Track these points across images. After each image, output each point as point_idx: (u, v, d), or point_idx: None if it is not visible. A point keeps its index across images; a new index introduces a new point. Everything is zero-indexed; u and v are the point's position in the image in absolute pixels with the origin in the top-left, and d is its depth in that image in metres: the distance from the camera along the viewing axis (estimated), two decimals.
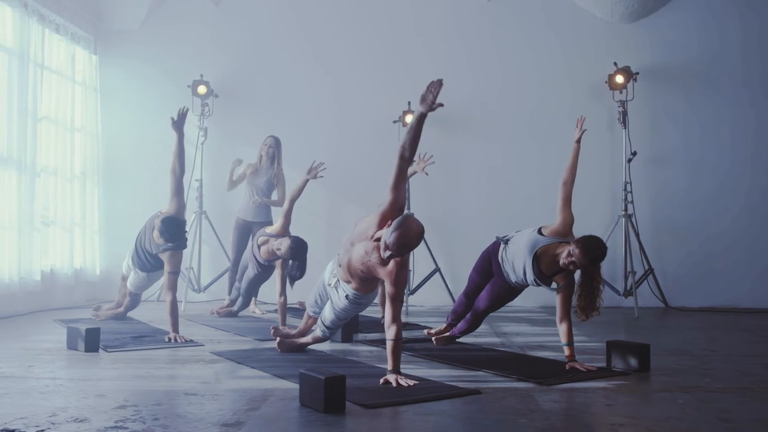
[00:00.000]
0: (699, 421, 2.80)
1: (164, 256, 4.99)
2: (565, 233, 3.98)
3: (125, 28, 7.60)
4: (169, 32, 7.65)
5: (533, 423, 2.73)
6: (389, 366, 3.43)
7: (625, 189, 6.91)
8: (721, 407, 3.01)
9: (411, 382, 3.33)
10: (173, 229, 4.87)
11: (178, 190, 5.04)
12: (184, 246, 5.08)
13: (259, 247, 5.64)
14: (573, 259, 3.71)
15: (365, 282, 3.71)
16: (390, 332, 3.45)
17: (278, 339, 4.36)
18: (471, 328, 4.61)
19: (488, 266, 4.40)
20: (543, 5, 7.51)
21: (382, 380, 3.39)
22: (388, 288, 3.48)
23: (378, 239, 3.45)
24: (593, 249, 3.68)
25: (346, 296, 3.83)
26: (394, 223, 3.33)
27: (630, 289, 6.75)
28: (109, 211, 7.46)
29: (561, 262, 3.78)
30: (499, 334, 5.28)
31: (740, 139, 7.24)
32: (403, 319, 6.04)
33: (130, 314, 5.75)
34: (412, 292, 6.91)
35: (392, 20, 7.64)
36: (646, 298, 6.88)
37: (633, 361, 3.79)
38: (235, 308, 6.11)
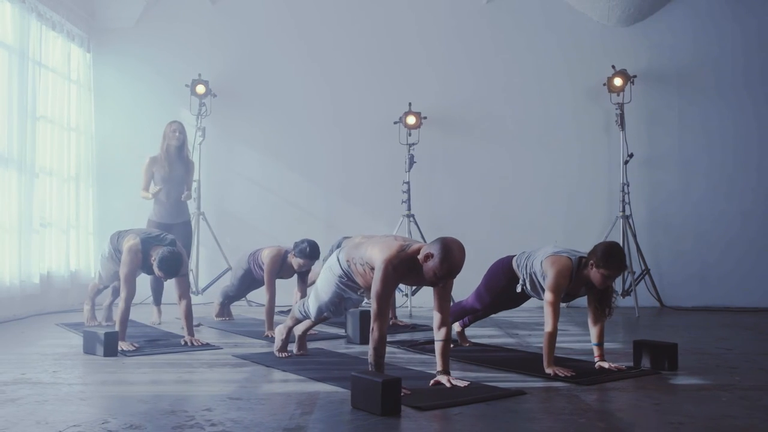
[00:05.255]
0: (752, 418, 2.84)
1: None
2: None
3: (120, 26, 7.47)
4: (164, 30, 7.53)
5: (594, 423, 2.75)
6: (439, 367, 3.41)
7: (623, 190, 6.99)
8: (765, 404, 3.06)
9: (464, 383, 3.32)
10: (173, 266, 4.59)
11: None
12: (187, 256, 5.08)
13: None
14: (610, 280, 3.76)
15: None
16: (440, 333, 3.41)
17: (301, 352, 4.27)
18: (478, 319, 4.67)
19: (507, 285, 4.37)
20: (540, 8, 7.56)
21: (432, 381, 3.37)
22: (438, 289, 3.44)
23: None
24: (620, 262, 3.71)
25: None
26: (437, 255, 3.20)
27: (628, 289, 6.84)
28: (103, 213, 7.31)
29: (598, 286, 3.78)
30: (512, 335, 5.30)
31: (734, 141, 7.38)
32: (408, 320, 6.10)
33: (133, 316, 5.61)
34: (414, 293, 6.91)
35: (391, 21, 7.63)
36: (641, 297, 6.97)
37: (663, 361, 3.84)
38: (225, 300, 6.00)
